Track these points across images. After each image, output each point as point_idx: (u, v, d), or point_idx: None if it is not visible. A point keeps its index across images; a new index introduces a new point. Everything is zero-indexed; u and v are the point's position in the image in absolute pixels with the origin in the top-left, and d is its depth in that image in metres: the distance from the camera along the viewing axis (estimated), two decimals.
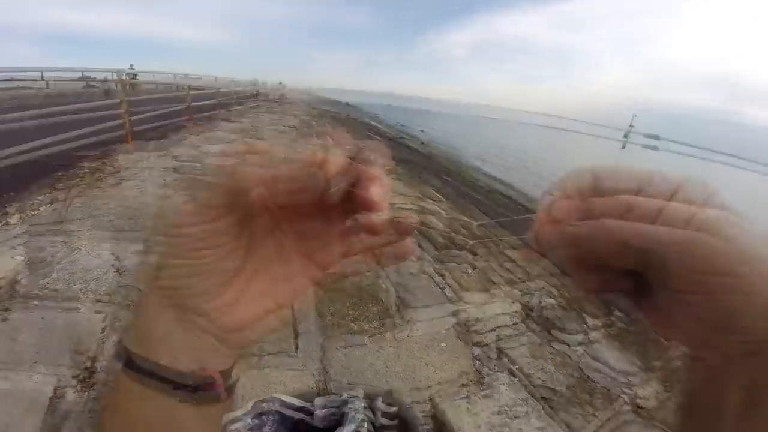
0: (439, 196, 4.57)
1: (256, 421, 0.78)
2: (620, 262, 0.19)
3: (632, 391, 1.79)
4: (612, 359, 2.01)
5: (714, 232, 0.17)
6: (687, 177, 0.19)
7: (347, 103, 35.94)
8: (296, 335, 1.83)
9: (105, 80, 15.29)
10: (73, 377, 1.41)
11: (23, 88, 11.19)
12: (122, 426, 0.21)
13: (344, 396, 0.90)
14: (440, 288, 2.36)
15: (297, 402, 0.82)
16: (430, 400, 1.54)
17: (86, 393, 1.35)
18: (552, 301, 2.50)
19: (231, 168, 0.19)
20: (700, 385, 0.22)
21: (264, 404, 0.81)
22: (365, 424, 0.83)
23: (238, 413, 0.78)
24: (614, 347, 2.12)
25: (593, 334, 2.19)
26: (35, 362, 1.45)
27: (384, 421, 0.85)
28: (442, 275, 2.53)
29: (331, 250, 0.23)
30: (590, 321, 2.36)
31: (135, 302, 0.17)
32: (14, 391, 1.31)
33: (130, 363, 0.20)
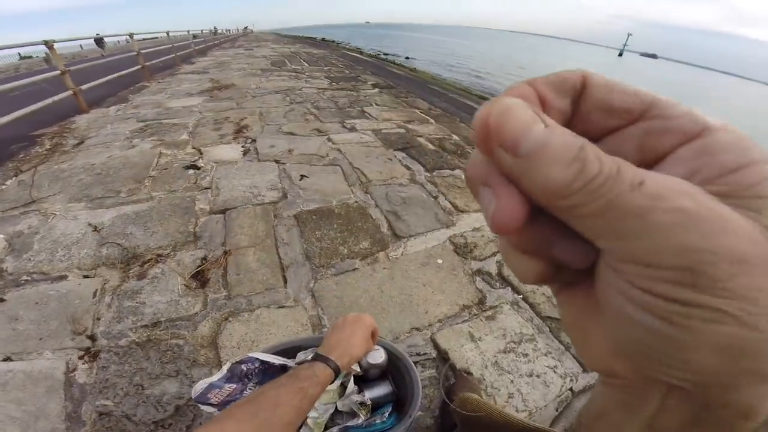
0: (427, 117, 4.34)
1: (235, 385, 0.71)
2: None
3: None
4: None
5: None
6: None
7: (323, 39, 33.79)
8: (283, 268, 1.76)
9: (48, 57, 14.82)
10: (79, 349, 1.39)
11: None
12: None
13: None
14: (434, 212, 2.26)
15: (277, 360, 0.75)
16: (429, 325, 1.48)
17: (95, 362, 1.34)
18: None
19: None
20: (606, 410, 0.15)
21: (243, 365, 0.73)
22: (351, 377, 0.77)
23: (214, 378, 0.67)
24: None
25: None
26: (40, 339, 1.43)
27: (372, 371, 0.79)
28: (435, 197, 2.42)
29: None
30: None
31: None
32: (32, 373, 1.31)
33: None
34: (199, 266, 1.75)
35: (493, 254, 1.90)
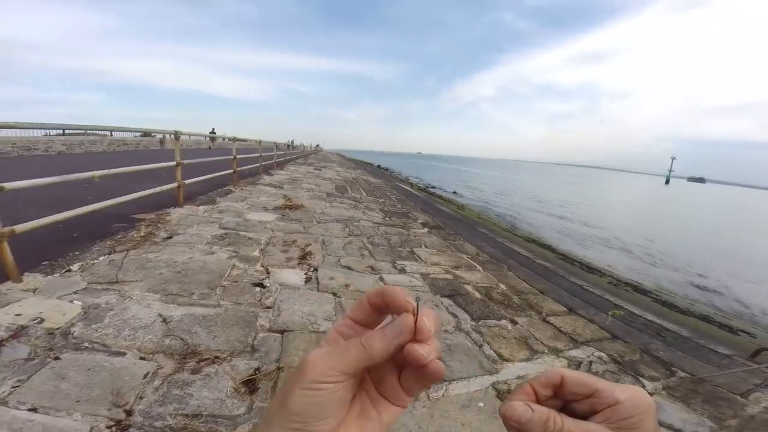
0: (474, 264, 4.52)
1: None
2: None
3: None
4: (678, 421, 1.89)
5: None
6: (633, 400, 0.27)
7: (379, 166, 37.76)
8: None
9: (162, 139, 18.48)
10: (110, 419, 1.47)
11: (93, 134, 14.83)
12: None
13: None
14: (478, 360, 2.27)
15: None
16: None
17: None
18: (603, 367, 2.37)
19: (366, 350, 0.27)
20: None
21: None
22: None
23: None
24: (680, 409, 2.01)
25: (654, 398, 2.06)
26: (77, 401, 1.54)
27: None
28: (480, 346, 2.45)
29: (401, 394, 0.30)
30: (648, 383, 2.23)
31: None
32: (52, 429, 1.38)
33: None
34: (252, 375, 1.84)
35: None
